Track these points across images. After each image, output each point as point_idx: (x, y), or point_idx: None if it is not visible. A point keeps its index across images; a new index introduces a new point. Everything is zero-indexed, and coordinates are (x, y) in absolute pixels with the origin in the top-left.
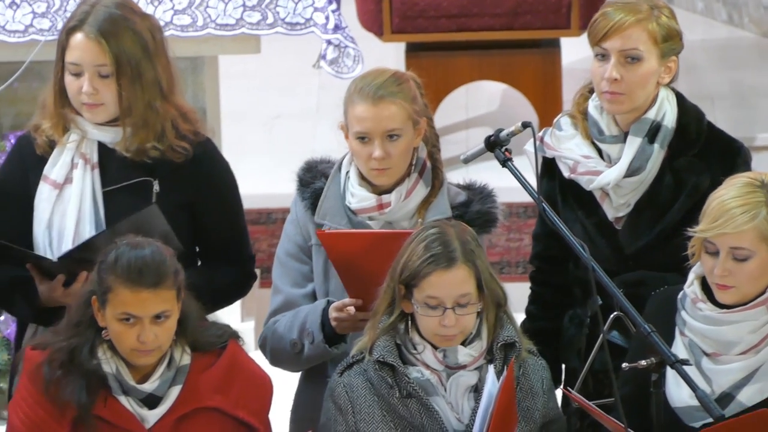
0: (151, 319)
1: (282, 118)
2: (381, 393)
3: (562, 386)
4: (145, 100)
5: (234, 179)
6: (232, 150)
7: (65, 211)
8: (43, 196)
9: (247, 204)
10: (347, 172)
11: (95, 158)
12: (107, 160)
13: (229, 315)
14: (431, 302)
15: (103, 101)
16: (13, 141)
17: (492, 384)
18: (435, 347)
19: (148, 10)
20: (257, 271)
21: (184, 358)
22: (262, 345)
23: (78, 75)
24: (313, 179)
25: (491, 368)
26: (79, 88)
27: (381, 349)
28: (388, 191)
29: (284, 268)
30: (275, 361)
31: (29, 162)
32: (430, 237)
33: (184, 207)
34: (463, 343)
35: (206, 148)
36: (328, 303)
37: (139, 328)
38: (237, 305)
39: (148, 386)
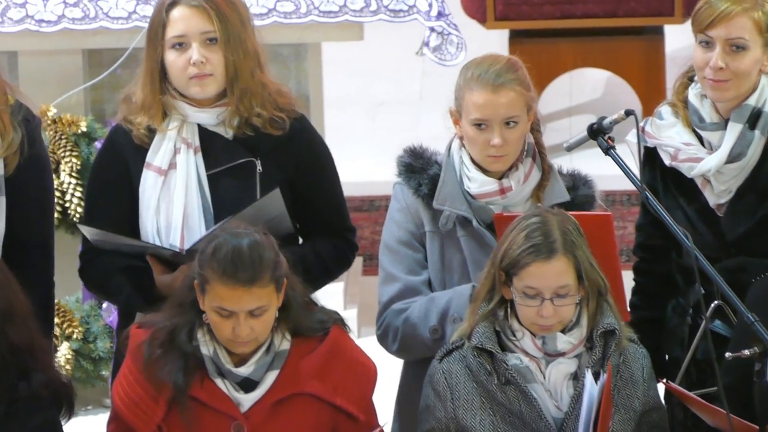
0: (247, 313)
1: (385, 105)
2: (479, 379)
3: (663, 377)
4: (249, 68)
5: (329, 152)
6: (335, 137)
7: (171, 196)
8: (148, 183)
9: (350, 191)
10: (460, 157)
11: (197, 142)
12: (209, 143)
13: (333, 302)
14: (529, 292)
15: (212, 71)
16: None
17: (591, 386)
18: (534, 334)
19: None
20: (359, 258)
21: (284, 343)
22: (384, 333)
23: (183, 48)
24: (426, 166)
25: (588, 372)
26: (186, 61)
27: (480, 335)
28: (504, 176)
29: (397, 256)
30: (403, 349)
31: (128, 152)
32: (531, 226)
33: (286, 183)
34: (563, 331)
35: (303, 123)
36: (474, 288)
37: (234, 321)
38: (340, 293)
39: (245, 370)
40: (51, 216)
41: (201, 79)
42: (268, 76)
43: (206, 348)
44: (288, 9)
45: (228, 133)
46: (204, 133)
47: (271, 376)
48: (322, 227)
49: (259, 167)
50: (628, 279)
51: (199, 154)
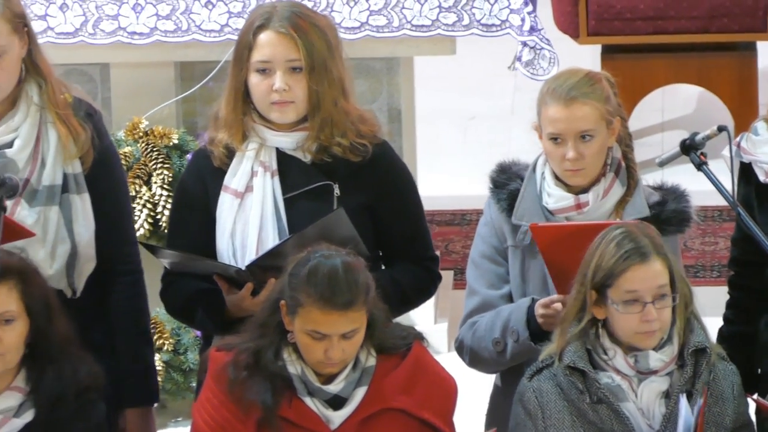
0: (340, 336)
1: (477, 119)
2: (571, 398)
3: (753, 393)
4: (332, 97)
5: (413, 179)
6: (426, 151)
7: (247, 219)
8: (225, 206)
9: (441, 205)
10: (542, 173)
11: (275, 165)
12: (287, 166)
13: (423, 316)
14: (630, 297)
15: (294, 99)
16: (207, 139)
17: (686, 411)
18: (626, 353)
19: (344, 10)
20: (450, 273)
21: (370, 359)
22: (460, 347)
23: (267, 74)
24: (508, 181)
25: (683, 398)
26: (269, 87)
27: (572, 354)
28: (585, 191)
29: (479, 270)
30: (474, 362)
31: (207, 174)
32: (618, 236)
33: (365, 209)
34: (654, 349)
35: (384, 149)
36: (533, 300)
37: (327, 344)
38: (430, 307)
39: (334, 387)
40: (128, 203)
41: (282, 105)
42: (352, 102)
43: (293, 367)
44: (380, 23)
45: (306, 158)
46: (282, 156)
47: (360, 393)
48: (403, 255)
49: (336, 191)
50: (719, 294)
51: (277, 178)
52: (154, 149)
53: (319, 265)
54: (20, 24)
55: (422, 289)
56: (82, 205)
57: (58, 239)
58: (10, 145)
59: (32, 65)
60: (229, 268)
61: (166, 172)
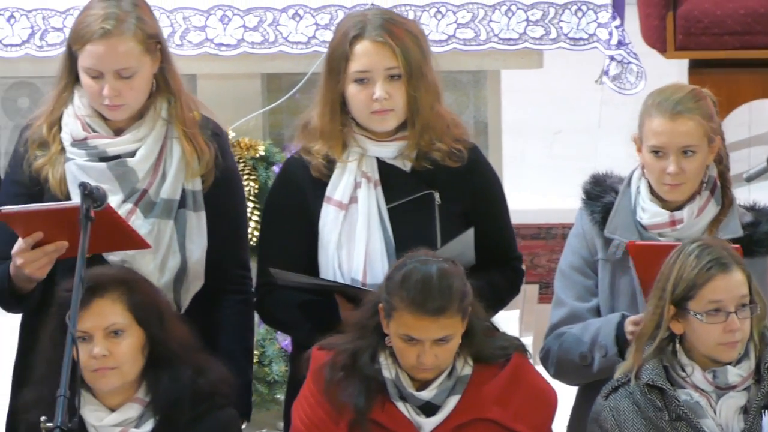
0: (433, 341)
1: (563, 133)
2: (648, 416)
3: None
4: (429, 102)
5: (500, 182)
6: (512, 164)
7: (353, 231)
8: (329, 218)
9: (527, 219)
10: (638, 187)
11: (376, 175)
12: (388, 176)
13: (508, 329)
14: (714, 307)
15: (394, 106)
16: (293, 151)
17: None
18: (703, 369)
19: (431, 23)
20: (536, 287)
21: (465, 368)
22: (544, 357)
23: (366, 83)
24: (602, 193)
25: (766, 416)
26: (369, 96)
27: (650, 372)
28: (679, 208)
29: (568, 281)
30: (559, 373)
31: (305, 185)
32: (695, 250)
33: (462, 215)
34: (732, 364)
35: (477, 153)
36: (623, 317)
37: (420, 349)
38: (516, 320)
39: (426, 394)
40: (245, 226)
41: (382, 114)
42: (444, 106)
43: (388, 371)
44: (468, 36)
45: (406, 166)
46: (383, 166)
47: (453, 401)
48: (495, 257)
49: (437, 199)
50: None
51: (379, 188)
52: (241, 161)
53: (414, 270)
54: (153, 44)
55: (514, 288)
56: (198, 223)
57: (169, 253)
58: (132, 154)
59: (163, 81)
60: (350, 289)
61: (252, 183)
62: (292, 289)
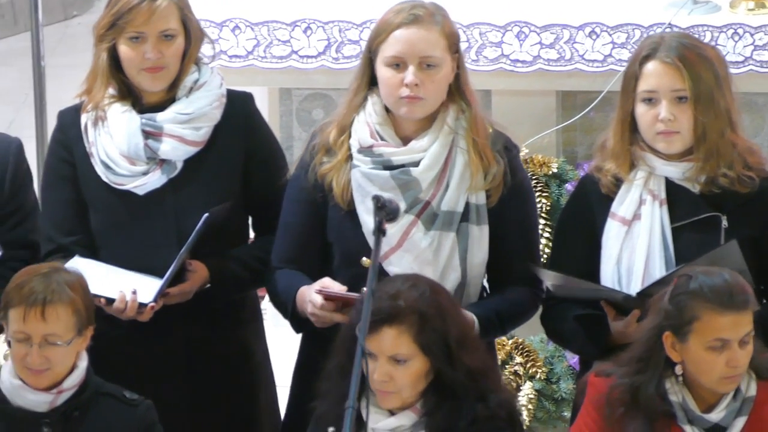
0: (739, 342)
1: None
2: None
3: None
4: (718, 128)
5: None
6: None
7: (634, 247)
8: (612, 233)
9: None
10: None
11: (663, 194)
12: (675, 196)
13: None
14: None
15: (679, 129)
16: (585, 169)
17: None
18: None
19: (728, 44)
20: None
21: (751, 388)
22: None
23: (652, 103)
24: None
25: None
26: (655, 117)
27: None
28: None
29: None
30: None
31: (594, 201)
32: (705, 281)
33: (752, 242)
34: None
35: None
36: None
37: (729, 354)
38: None
39: (715, 416)
40: (536, 239)
41: (668, 135)
42: (740, 134)
43: (675, 396)
44: (765, 58)
45: (695, 188)
46: (671, 186)
47: (740, 423)
48: None
49: (724, 223)
50: None
51: (665, 207)
52: (533, 177)
53: (707, 279)
54: (454, 45)
55: None
56: (480, 237)
57: (450, 266)
58: (417, 164)
59: (458, 90)
60: (617, 294)
61: (544, 200)
62: (573, 302)
